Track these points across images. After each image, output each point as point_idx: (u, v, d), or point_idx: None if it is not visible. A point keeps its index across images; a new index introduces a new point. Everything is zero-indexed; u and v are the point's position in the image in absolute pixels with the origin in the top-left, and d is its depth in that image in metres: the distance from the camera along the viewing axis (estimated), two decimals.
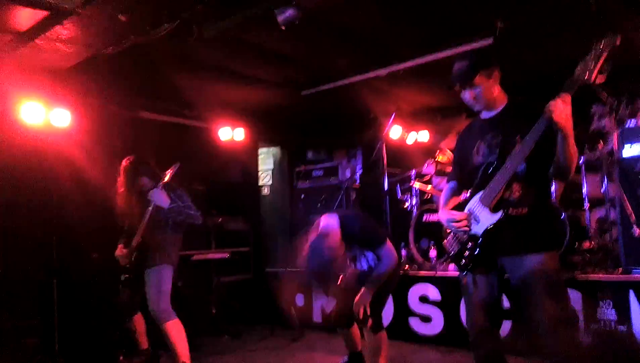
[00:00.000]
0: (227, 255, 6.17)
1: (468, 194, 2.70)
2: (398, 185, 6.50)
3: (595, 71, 2.26)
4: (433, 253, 5.47)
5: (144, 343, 4.27)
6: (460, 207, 2.72)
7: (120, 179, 4.15)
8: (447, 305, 4.93)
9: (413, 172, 6.20)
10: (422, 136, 7.08)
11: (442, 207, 2.86)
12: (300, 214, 6.98)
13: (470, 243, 2.62)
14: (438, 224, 2.85)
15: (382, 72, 5.16)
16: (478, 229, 2.57)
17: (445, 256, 5.07)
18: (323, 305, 5.87)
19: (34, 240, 4.80)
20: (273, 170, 7.92)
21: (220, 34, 4.07)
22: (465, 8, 3.97)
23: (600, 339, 4.07)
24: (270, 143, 7.80)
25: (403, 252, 5.82)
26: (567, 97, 2.27)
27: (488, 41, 4.29)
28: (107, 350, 4.72)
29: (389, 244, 3.59)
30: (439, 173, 6.03)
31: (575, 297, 4.19)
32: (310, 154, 7.96)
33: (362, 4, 3.84)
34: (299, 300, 6.17)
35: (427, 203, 6.11)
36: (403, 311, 5.22)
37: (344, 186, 6.54)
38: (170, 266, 4.06)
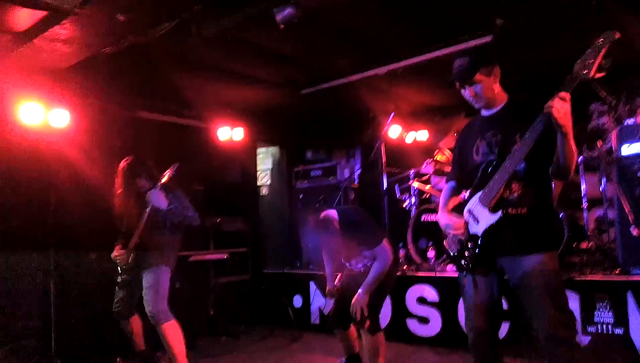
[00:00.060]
0: (225, 256, 6.16)
1: (467, 194, 2.70)
2: (397, 185, 6.50)
3: (595, 67, 2.24)
4: (431, 253, 5.46)
5: (141, 344, 4.26)
6: (459, 207, 2.71)
7: (119, 180, 4.14)
8: (445, 306, 4.92)
9: (412, 171, 6.19)
10: (421, 135, 7.08)
11: (441, 208, 2.85)
12: (298, 215, 6.97)
13: (470, 244, 2.60)
14: (437, 225, 2.84)
15: (382, 70, 5.15)
16: (477, 229, 2.56)
17: (445, 256, 5.09)
18: (321, 306, 5.87)
19: (32, 240, 4.78)
20: (272, 170, 7.92)
21: (220, 34, 4.06)
22: (465, 7, 3.97)
23: (597, 341, 4.06)
24: (269, 142, 7.79)
25: (401, 252, 5.81)
26: (567, 95, 2.25)
27: (487, 40, 4.29)
28: (104, 352, 4.72)
29: (385, 243, 3.60)
30: (438, 172, 6.03)
31: (572, 298, 4.18)
32: (309, 154, 7.96)
33: (361, 3, 3.83)
34: (297, 301, 6.18)
35: (426, 202, 6.10)
36: (401, 312, 5.21)
37: (343, 185, 6.53)
38: (168, 267, 4.05)
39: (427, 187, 5.98)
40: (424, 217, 5.88)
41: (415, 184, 6.07)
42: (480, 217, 2.55)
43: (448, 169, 5.85)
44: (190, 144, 6.12)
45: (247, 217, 6.93)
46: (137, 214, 4.00)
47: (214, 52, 4.63)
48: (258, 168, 7.72)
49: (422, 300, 5.11)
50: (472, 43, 4.37)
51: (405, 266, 5.59)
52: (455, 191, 2.91)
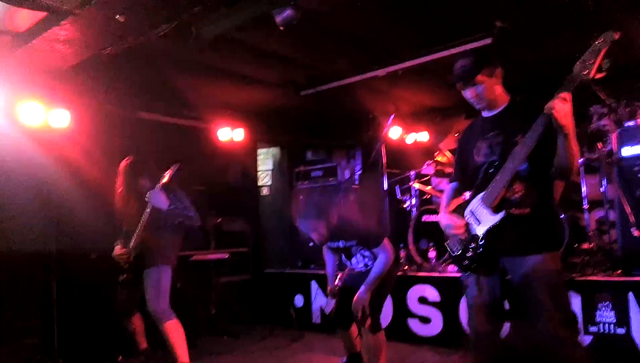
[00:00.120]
0: (226, 256, 6.16)
1: (469, 195, 2.69)
2: (397, 186, 6.50)
3: (595, 67, 2.25)
4: (432, 253, 5.46)
5: (142, 343, 4.26)
6: (461, 208, 2.71)
7: (119, 180, 4.14)
8: (447, 306, 4.91)
9: (412, 172, 6.20)
10: (422, 136, 7.09)
11: (443, 208, 2.85)
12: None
13: (472, 244, 2.60)
14: (437, 225, 2.84)
15: (381, 72, 5.16)
16: (480, 229, 2.56)
17: (445, 256, 5.10)
18: (323, 306, 5.87)
19: (33, 240, 4.79)
20: (272, 170, 7.92)
21: (219, 35, 4.06)
22: (465, 8, 3.97)
23: (599, 341, 4.06)
24: (269, 143, 7.79)
25: (402, 253, 5.82)
26: (568, 95, 2.25)
27: (487, 41, 4.29)
28: (106, 350, 4.72)
29: (386, 242, 3.60)
30: (439, 173, 6.04)
31: (574, 298, 4.18)
32: (309, 155, 7.96)
33: (361, 4, 3.83)
34: (299, 301, 6.18)
35: (427, 203, 6.10)
36: (402, 312, 5.21)
37: (343, 186, 6.53)
38: (169, 267, 4.05)
39: (428, 188, 5.98)
40: (424, 218, 5.88)
41: (416, 185, 6.07)
42: (483, 218, 2.55)
43: (449, 170, 5.86)
44: (191, 145, 6.12)
45: (248, 217, 6.94)
46: (138, 214, 4.00)
47: (213, 53, 4.63)
48: (259, 168, 7.73)
49: (423, 300, 5.11)
50: (473, 45, 4.38)
51: (407, 266, 5.60)
52: (457, 192, 2.91)
